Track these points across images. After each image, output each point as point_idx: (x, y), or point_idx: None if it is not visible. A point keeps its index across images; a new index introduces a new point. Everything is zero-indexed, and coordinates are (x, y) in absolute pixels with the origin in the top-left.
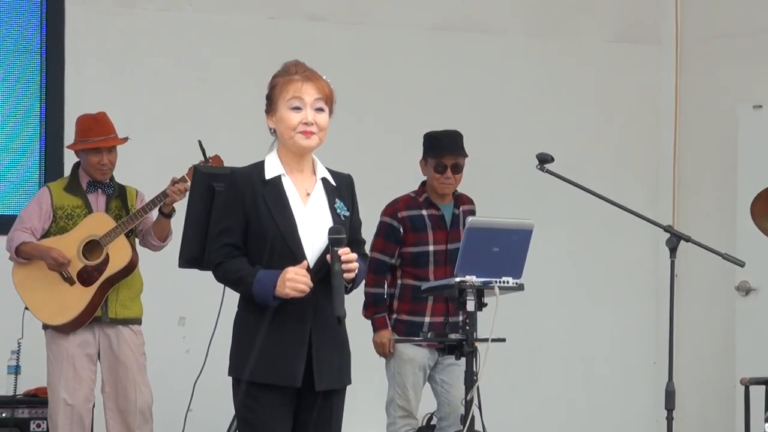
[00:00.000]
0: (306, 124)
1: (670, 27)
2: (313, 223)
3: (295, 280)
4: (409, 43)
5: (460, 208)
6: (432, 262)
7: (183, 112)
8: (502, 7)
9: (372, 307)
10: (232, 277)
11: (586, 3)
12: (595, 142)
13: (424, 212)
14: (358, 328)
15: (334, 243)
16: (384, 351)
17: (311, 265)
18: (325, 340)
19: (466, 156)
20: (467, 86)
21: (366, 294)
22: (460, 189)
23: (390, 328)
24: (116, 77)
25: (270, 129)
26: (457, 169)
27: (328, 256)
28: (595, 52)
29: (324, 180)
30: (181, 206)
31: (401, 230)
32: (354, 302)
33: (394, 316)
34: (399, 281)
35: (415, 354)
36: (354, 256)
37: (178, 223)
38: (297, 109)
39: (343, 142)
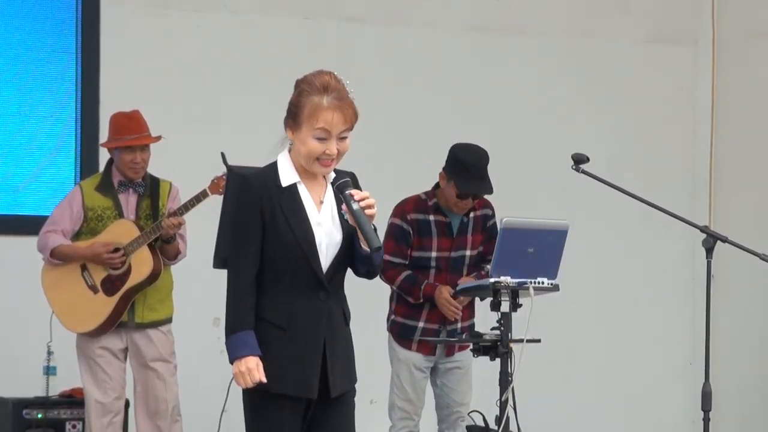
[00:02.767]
0: (328, 155)
1: (706, 27)
2: (326, 230)
3: (246, 376)
4: (445, 44)
5: (470, 215)
6: (434, 268)
7: (218, 112)
8: (538, 9)
9: (414, 288)
10: (230, 310)
11: (622, 3)
12: (632, 143)
13: (432, 218)
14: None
15: (342, 188)
16: (452, 309)
17: (324, 271)
18: (337, 346)
19: (491, 193)
20: (502, 87)
21: (399, 290)
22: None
23: (437, 285)
24: (151, 78)
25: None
26: (478, 198)
27: (344, 206)
28: (631, 53)
29: (333, 184)
30: (215, 206)
31: (411, 233)
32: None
33: (392, 316)
34: None
35: (409, 356)
36: (367, 193)
37: (212, 224)
38: (322, 139)
39: (378, 142)
